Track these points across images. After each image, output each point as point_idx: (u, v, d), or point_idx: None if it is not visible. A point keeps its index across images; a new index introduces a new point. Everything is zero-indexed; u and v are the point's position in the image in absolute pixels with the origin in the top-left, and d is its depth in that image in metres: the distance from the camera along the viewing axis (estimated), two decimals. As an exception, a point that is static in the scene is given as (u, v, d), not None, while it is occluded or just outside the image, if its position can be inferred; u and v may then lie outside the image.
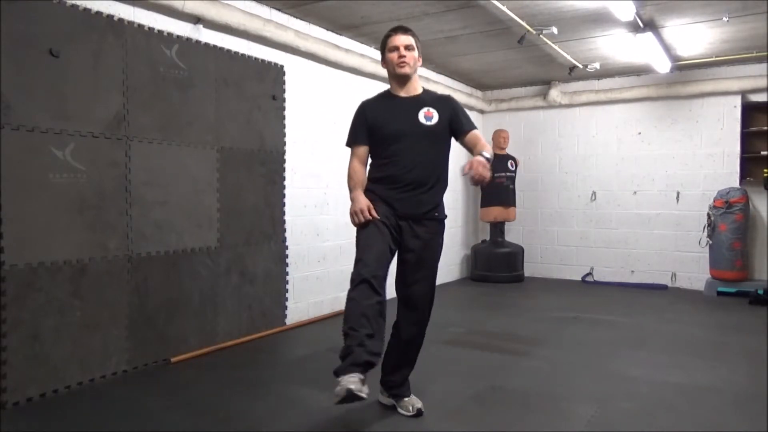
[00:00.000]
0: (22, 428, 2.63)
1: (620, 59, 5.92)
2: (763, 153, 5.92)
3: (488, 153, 2.52)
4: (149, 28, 3.48)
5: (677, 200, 6.44)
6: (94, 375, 3.20)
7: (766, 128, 5.91)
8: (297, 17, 4.56)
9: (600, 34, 5.03)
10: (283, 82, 4.45)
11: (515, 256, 6.93)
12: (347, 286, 2.48)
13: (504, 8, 4.23)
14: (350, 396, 2.21)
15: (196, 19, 3.76)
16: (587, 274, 6.97)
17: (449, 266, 6.98)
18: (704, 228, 6.02)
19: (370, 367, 2.32)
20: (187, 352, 3.69)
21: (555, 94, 6.93)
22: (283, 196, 4.48)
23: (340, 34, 5.04)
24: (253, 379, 3.30)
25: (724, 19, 4.52)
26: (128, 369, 3.37)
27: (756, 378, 3.32)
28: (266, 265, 4.31)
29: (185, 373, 3.43)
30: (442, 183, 2.72)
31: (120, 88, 3.31)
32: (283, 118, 4.46)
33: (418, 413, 2.71)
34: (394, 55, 2.64)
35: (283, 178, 4.48)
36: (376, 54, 5.36)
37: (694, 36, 5.09)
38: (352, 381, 2.22)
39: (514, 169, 6.92)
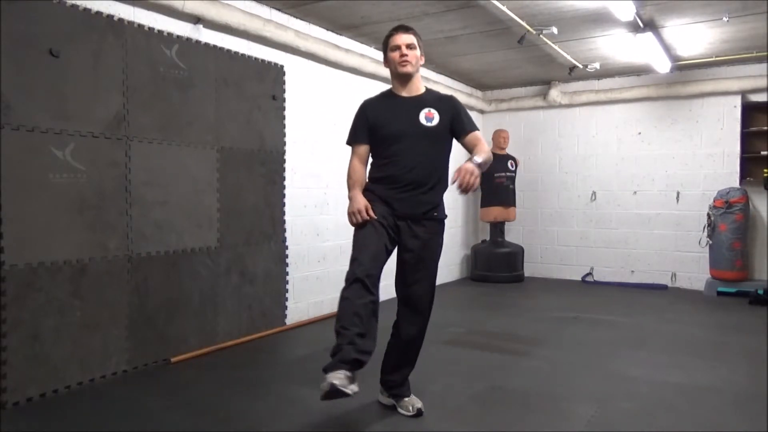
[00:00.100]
0: (22, 428, 2.63)
1: (620, 59, 5.92)
2: (763, 153, 5.92)
3: (481, 157, 2.51)
4: (149, 28, 3.48)
5: (677, 200, 6.44)
6: (94, 375, 3.20)
7: (766, 128, 5.91)
8: (297, 17, 4.56)
9: (600, 34, 5.03)
10: (283, 82, 4.45)
11: (515, 256, 6.93)
12: (346, 286, 2.48)
13: (504, 8, 4.23)
14: (334, 391, 2.21)
15: (196, 19, 3.76)
16: (587, 274, 6.97)
17: (449, 266, 6.98)
18: (704, 228, 6.02)
19: (359, 365, 2.32)
20: (187, 352, 3.69)
21: (555, 94, 6.93)
22: (283, 196, 4.48)
23: (340, 34, 5.04)
24: (253, 379, 3.30)
25: (724, 19, 4.52)
26: (128, 369, 3.37)
27: (756, 378, 3.32)
28: (266, 265, 4.31)
29: (185, 373, 3.43)
30: (442, 183, 2.71)
31: (120, 88, 3.31)
32: (283, 118, 4.46)
33: (418, 413, 2.71)
34: (395, 54, 2.64)
35: (283, 178, 4.48)
36: (376, 54, 5.36)
37: (694, 36, 5.09)
38: (337, 377, 2.23)
39: (514, 169, 6.92)
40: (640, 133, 6.63)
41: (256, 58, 4.21)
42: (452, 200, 6.71)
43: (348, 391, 2.22)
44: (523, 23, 4.55)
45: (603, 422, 2.70)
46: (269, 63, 4.32)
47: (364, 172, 2.75)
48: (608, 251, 6.86)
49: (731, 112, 6.10)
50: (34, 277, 2.92)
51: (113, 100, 3.28)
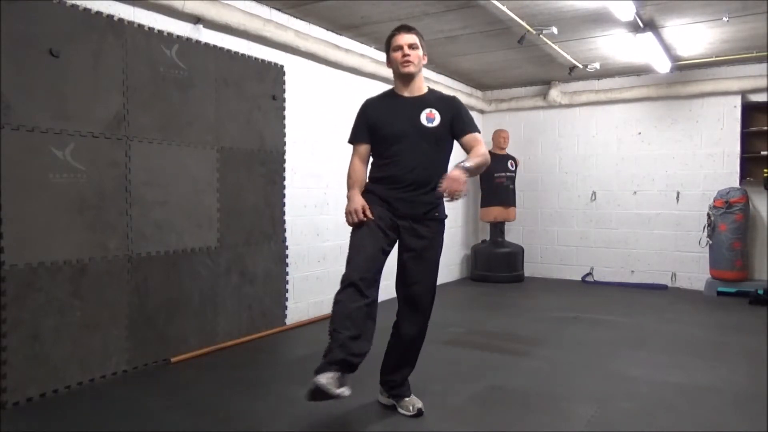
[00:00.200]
0: (22, 428, 2.63)
1: (620, 59, 5.92)
2: (763, 153, 5.92)
3: (471, 161, 2.52)
4: (149, 28, 3.48)
5: (677, 200, 6.44)
6: (94, 375, 3.20)
7: (766, 128, 5.91)
8: (297, 17, 4.56)
9: (600, 34, 5.03)
10: (283, 82, 4.45)
11: (515, 256, 6.93)
12: (346, 286, 2.48)
13: (504, 8, 4.23)
14: (319, 391, 2.22)
15: (196, 19, 3.76)
16: (587, 274, 6.97)
17: (449, 266, 6.98)
18: (704, 228, 6.02)
19: (349, 367, 2.34)
20: (187, 352, 3.69)
21: (555, 94, 6.93)
22: (283, 196, 4.48)
23: (340, 34, 5.04)
24: (253, 379, 3.30)
25: (724, 19, 4.52)
26: (128, 369, 3.37)
27: (756, 378, 3.32)
28: (266, 265, 4.31)
29: (185, 373, 3.43)
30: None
31: (120, 88, 3.31)
32: (283, 118, 4.46)
33: (419, 413, 2.71)
34: (398, 54, 2.64)
35: (283, 178, 4.48)
36: (376, 54, 5.37)
37: (694, 36, 5.09)
38: (324, 377, 2.24)
39: (514, 169, 6.92)
40: (640, 133, 6.63)
41: (256, 58, 4.21)
42: (452, 200, 6.72)
43: (332, 392, 2.22)
44: (523, 23, 4.55)
45: (603, 422, 2.70)
46: (269, 63, 4.32)
47: (365, 171, 2.75)
48: (608, 251, 6.86)
49: (731, 112, 6.10)
50: (34, 277, 2.92)
51: (113, 100, 3.28)
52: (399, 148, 2.62)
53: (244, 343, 4.06)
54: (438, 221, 2.71)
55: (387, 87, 2.83)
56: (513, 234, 7.29)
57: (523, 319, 4.91)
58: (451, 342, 4.10)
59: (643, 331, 4.47)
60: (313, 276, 4.85)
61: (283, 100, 4.46)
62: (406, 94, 2.70)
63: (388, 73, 2.78)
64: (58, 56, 3.00)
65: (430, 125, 2.63)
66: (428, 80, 5.99)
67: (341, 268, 2.56)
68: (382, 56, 5.34)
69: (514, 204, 6.97)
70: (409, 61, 2.62)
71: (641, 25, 4.65)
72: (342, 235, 4.98)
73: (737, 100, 6.06)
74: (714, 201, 5.93)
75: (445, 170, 2.74)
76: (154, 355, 3.52)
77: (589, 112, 6.91)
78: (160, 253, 3.55)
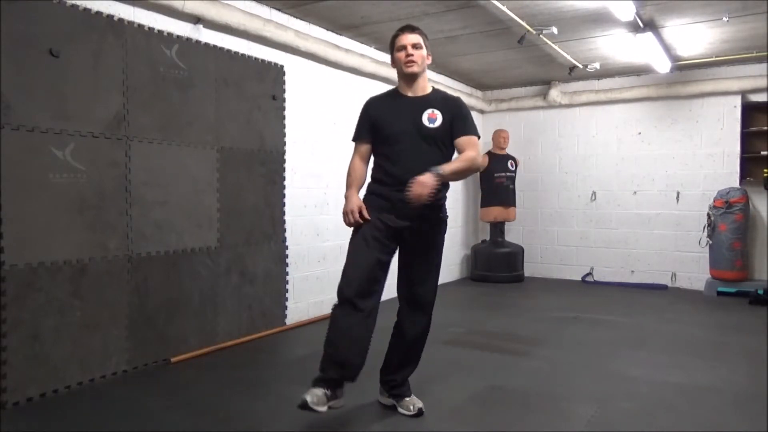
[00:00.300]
0: (22, 428, 2.63)
1: (620, 59, 5.92)
2: (763, 153, 5.92)
3: (449, 167, 2.51)
4: (149, 28, 3.48)
5: (677, 200, 6.44)
6: (94, 375, 3.20)
7: (766, 128, 5.91)
8: (297, 17, 4.56)
9: (600, 34, 5.03)
10: (283, 82, 4.45)
11: (515, 256, 6.93)
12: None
13: (504, 8, 4.23)
14: (305, 407, 2.37)
15: (196, 19, 3.76)
16: (587, 274, 6.97)
17: (449, 266, 6.98)
18: (704, 228, 6.02)
19: (341, 384, 2.51)
20: (187, 352, 3.69)
21: (555, 94, 6.93)
22: (283, 196, 4.48)
23: (340, 34, 5.04)
24: (253, 379, 3.30)
25: (724, 19, 4.52)
26: (128, 369, 3.37)
27: (756, 378, 3.32)
28: (266, 265, 4.31)
29: (185, 373, 3.43)
30: (444, 184, 2.70)
31: (120, 88, 3.31)
32: (283, 118, 4.46)
33: (419, 413, 2.71)
34: (401, 54, 2.63)
35: (283, 178, 4.48)
36: (376, 54, 5.36)
37: (694, 36, 5.09)
38: (313, 393, 2.39)
39: (514, 169, 6.92)
40: (640, 133, 6.63)
41: (256, 58, 4.21)
42: (452, 200, 6.70)
43: (318, 409, 2.37)
44: (523, 23, 4.55)
45: (603, 422, 2.70)
46: (269, 63, 4.32)
47: (365, 170, 2.75)
48: (608, 251, 6.86)
49: (731, 112, 6.10)
50: (34, 277, 2.92)
51: (113, 100, 3.28)
52: (400, 147, 2.61)
53: (244, 343, 4.05)
54: (439, 221, 2.71)
55: (387, 87, 2.83)
56: (513, 234, 7.29)
57: (523, 319, 4.91)
58: (451, 342, 4.10)
59: (643, 331, 4.47)
60: (313, 276, 4.85)
61: (283, 100, 4.46)
62: (409, 93, 2.70)
63: (388, 73, 2.78)
64: (58, 56, 3.00)
65: (431, 125, 2.62)
66: (428, 80, 5.99)
67: (341, 268, 2.56)
68: (382, 56, 5.34)
69: (514, 204, 6.97)
70: (412, 61, 2.62)
71: (641, 25, 4.65)
72: (342, 235, 4.97)
73: (737, 100, 6.06)
74: (714, 201, 5.93)
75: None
76: (154, 355, 3.52)
77: (589, 112, 6.91)
78: (160, 253, 3.55)
